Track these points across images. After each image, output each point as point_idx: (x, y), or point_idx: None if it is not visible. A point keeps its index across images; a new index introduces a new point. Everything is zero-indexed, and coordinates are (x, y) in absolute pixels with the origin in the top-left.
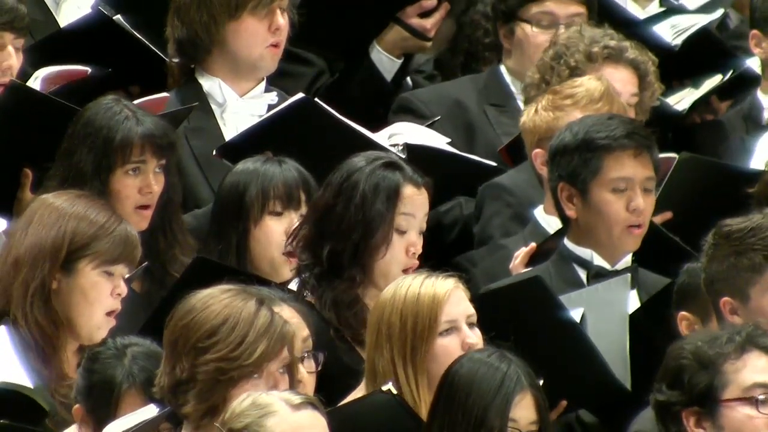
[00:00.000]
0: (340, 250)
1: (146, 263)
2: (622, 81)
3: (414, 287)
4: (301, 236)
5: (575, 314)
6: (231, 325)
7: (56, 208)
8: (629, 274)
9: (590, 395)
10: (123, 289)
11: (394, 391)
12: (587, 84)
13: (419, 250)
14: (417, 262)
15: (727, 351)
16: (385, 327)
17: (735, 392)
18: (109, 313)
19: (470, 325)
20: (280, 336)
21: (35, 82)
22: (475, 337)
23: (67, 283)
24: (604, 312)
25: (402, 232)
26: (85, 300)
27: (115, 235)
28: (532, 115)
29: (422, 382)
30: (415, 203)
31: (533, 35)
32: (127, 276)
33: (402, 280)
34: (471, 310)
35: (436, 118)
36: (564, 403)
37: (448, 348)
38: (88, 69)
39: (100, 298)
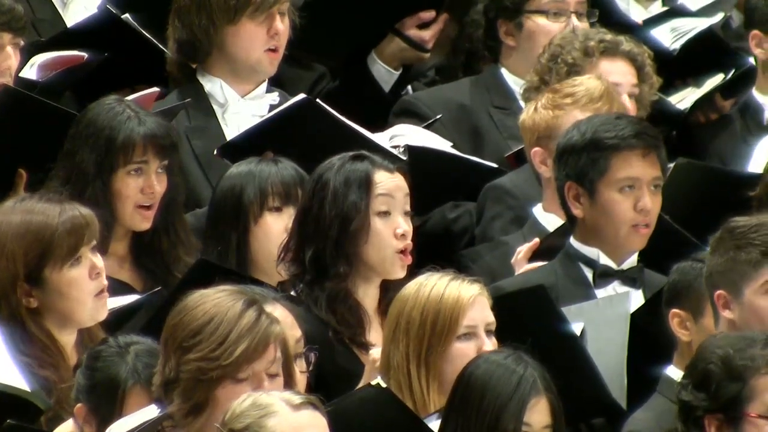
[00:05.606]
0: (322, 249)
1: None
2: (621, 73)
3: (439, 287)
4: (289, 249)
5: (575, 328)
6: (215, 325)
7: None
8: (630, 291)
9: (585, 410)
10: (100, 267)
11: (384, 385)
12: (587, 83)
13: (408, 230)
14: (410, 243)
15: (757, 364)
16: (404, 321)
17: (760, 408)
18: (98, 294)
19: (488, 332)
20: (263, 336)
21: (31, 70)
22: (491, 346)
23: (45, 295)
24: (604, 330)
25: (385, 215)
26: (68, 299)
27: (62, 231)
28: (531, 113)
29: (433, 381)
30: (390, 185)
31: (546, 25)
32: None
33: (428, 277)
34: (491, 318)
35: (438, 117)
36: None
37: (463, 352)
38: (85, 54)
39: (81, 289)
